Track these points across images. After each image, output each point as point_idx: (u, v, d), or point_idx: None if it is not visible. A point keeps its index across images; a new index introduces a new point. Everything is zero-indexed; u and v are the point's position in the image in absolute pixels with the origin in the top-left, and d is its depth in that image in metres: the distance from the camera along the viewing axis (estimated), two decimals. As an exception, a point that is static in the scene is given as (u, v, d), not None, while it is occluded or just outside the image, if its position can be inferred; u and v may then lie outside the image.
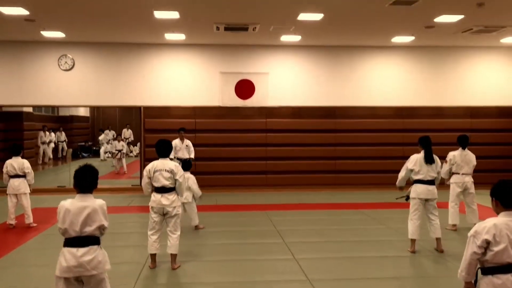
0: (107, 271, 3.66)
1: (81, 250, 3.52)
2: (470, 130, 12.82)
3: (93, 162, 19.67)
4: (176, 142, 10.99)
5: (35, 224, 8.24)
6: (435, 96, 12.98)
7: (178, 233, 5.91)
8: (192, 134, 12.31)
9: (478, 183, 12.42)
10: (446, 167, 7.93)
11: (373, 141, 12.85)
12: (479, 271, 3.19)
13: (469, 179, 7.96)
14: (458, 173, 7.95)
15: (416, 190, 6.59)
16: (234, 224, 8.53)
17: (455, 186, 7.99)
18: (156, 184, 5.79)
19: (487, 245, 3.05)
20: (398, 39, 11.94)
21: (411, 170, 6.62)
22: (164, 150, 5.90)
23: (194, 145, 11.66)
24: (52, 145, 20.14)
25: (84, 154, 22.21)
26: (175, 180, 5.77)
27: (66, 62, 12.16)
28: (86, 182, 3.66)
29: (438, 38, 11.82)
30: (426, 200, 6.59)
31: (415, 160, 6.63)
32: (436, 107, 12.99)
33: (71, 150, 16.41)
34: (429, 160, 6.55)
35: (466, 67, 13.08)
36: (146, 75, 12.42)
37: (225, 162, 12.58)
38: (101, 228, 3.61)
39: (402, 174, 6.76)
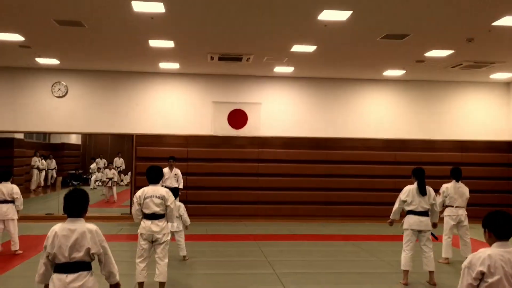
0: None
1: (70, 277, 3.44)
2: (461, 163, 12.86)
3: (86, 190, 19.35)
4: (165, 171, 10.90)
5: (21, 251, 8.07)
6: (426, 129, 13.11)
7: (167, 260, 5.81)
8: (184, 163, 12.27)
9: (469, 217, 12.40)
10: (439, 199, 7.89)
11: (364, 173, 12.87)
12: None
13: (462, 212, 7.96)
14: (452, 206, 7.95)
15: (409, 221, 6.57)
16: (224, 254, 8.40)
17: (448, 219, 7.97)
18: (146, 211, 5.72)
19: (482, 276, 3.01)
20: (389, 73, 12.14)
21: (404, 201, 6.61)
22: (154, 177, 5.86)
23: (185, 174, 11.60)
24: (43, 172, 19.95)
25: (74, 182, 21.96)
26: (166, 206, 5.70)
27: (59, 89, 12.18)
28: (75, 206, 3.59)
29: (428, 73, 12.03)
30: (419, 231, 6.56)
31: (408, 191, 6.63)
32: (427, 140, 13.10)
33: (61, 178, 16.22)
34: (422, 191, 6.55)
35: (456, 101, 13.28)
36: (140, 103, 12.45)
37: (217, 191, 12.50)
38: (91, 254, 3.52)
39: (396, 206, 6.75)
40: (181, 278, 6.66)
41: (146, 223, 5.70)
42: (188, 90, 12.66)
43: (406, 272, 6.55)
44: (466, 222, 7.97)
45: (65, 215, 3.62)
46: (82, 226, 3.55)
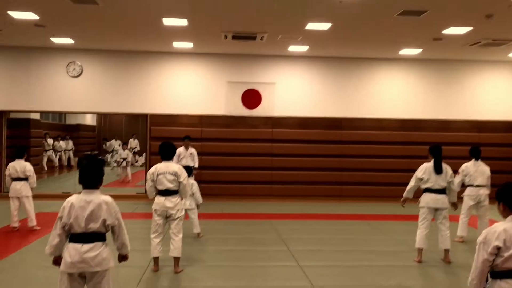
0: (110, 268, 3.62)
1: (86, 246, 3.49)
2: (478, 144, 12.68)
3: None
4: (180, 150, 10.95)
5: (38, 227, 8.22)
6: (442, 109, 12.92)
7: (181, 235, 5.88)
8: (198, 143, 12.29)
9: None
10: (458, 178, 7.74)
11: (378, 153, 12.77)
12: (488, 275, 3.11)
13: (483, 192, 7.75)
14: (472, 185, 7.79)
15: (425, 199, 6.52)
16: (238, 231, 8.46)
17: (468, 199, 7.84)
18: (159, 187, 5.76)
19: (497, 251, 2.98)
20: (405, 51, 11.94)
21: (421, 179, 6.53)
22: (167, 153, 5.89)
23: (199, 154, 11.63)
24: (61, 153, 20.20)
25: (89, 163, 22.23)
26: (179, 182, 5.74)
27: (74, 68, 12.24)
28: (91, 177, 3.62)
29: (445, 51, 11.81)
30: (436, 209, 6.50)
31: (424, 168, 6.56)
32: (443, 120, 12.92)
33: (77, 158, 16.47)
34: (438, 169, 6.47)
35: (473, 81, 13.05)
36: (154, 83, 12.46)
37: (231, 171, 12.54)
38: (106, 225, 3.56)
39: (411, 184, 6.66)
40: (195, 254, 6.73)
41: (160, 199, 5.75)
42: (202, 70, 12.63)
43: (420, 250, 6.53)
44: (486, 202, 7.75)
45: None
46: (98, 197, 3.59)
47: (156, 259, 5.88)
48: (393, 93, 12.92)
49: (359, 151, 12.79)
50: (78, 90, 12.31)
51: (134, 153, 21.33)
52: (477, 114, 12.97)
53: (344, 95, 12.82)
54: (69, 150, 21.09)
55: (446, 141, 12.50)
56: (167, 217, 5.81)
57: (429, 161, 6.62)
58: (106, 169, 19.94)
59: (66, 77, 12.27)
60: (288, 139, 12.67)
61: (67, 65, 12.25)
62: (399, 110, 12.88)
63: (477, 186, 7.76)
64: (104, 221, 3.54)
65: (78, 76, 12.29)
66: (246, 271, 5.98)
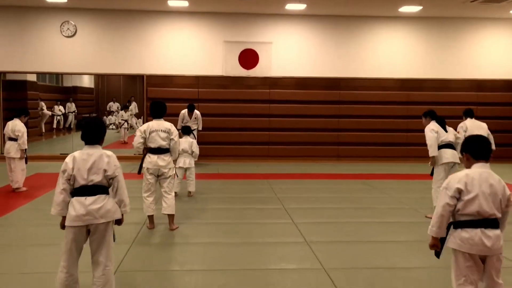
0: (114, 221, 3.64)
1: (90, 199, 3.49)
2: (476, 103, 12.65)
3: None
4: (185, 114, 10.93)
5: (24, 189, 8.08)
6: (441, 69, 12.77)
7: (173, 193, 5.93)
8: (195, 104, 12.21)
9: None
10: (460, 135, 7.78)
11: (377, 113, 12.71)
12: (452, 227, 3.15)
13: None
14: None
15: (444, 156, 6.46)
16: (235, 191, 8.52)
17: None
18: (152, 145, 5.74)
19: (459, 195, 3.03)
20: (405, 9, 11.68)
21: (436, 132, 6.46)
22: (158, 111, 5.86)
23: (196, 115, 11.59)
24: (60, 117, 20.15)
25: (88, 126, 22.22)
26: (171, 139, 5.75)
27: (68, 28, 12.03)
28: (93, 133, 3.62)
29: (446, 9, 11.57)
30: (454, 164, 6.50)
31: (434, 126, 6.55)
32: (442, 79, 12.79)
33: (75, 121, 16.49)
34: (443, 128, 6.55)
35: (474, 39, 12.84)
36: (150, 43, 12.27)
37: (228, 132, 12.52)
38: (106, 176, 3.55)
39: (432, 140, 6.42)
40: (192, 213, 6.79)
41: (152, 158, 5.74)
42: (198, 29, 12.42)
43: None
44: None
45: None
46: (99, 151, 3.60)
47: (151, 217, 5.93)
48: (392, 52, 12.74)
49: (358, 111, 12.73)
50: (72, 50, 12.13)
51: (132, 116, 21.25)
52: (477, 73, 12.83)
53: (343, 55, 12.64)
54: (72, 113, 21.03)
55: (445, 101, 12.49)
56: (159, 176, 5.82)
57: (424, 125, 6.68)
58: (108, 131, 20.15)
59: (60, 37, 12.08)
60: (285, 99, 12.59)
61: (60, 25, 12.03)
62: (398, 70, 12.74)
63: None
64: (105, 171, 3.54)
65: (72, 36, 12.09)
66: (241, 228, 6.04)
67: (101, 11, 12.13)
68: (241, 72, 12.46)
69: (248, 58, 12.48)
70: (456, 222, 3.10)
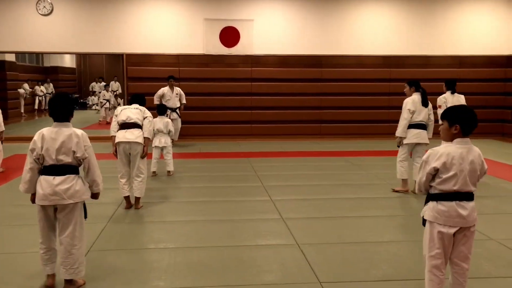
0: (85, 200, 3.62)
1: (58, 179, 3.45)
2: (458, 79, 12.64)
3: (84, 114, 19.19)
4: (164, 90, 10.72)
5: (1, 169, 8.04)
6: (423, 45, 12.77)
7: (143, 175, 5.82)
8: (176, 83, 12.09)
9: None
10: (441, 110, 7.86)
11: (359, 91, 12.72)
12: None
13: None
14: None
15: (408, 135, 6.53)
16: (215, 169, 8.51)
17: None
18: (122, 118, 5.68)
19: (436, 172, 3.03)
20: (386, -15, 11.60)
21: (413, 112, 6.47)
22: (136, 100, 6.01)
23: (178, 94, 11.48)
24: (41, 98, 19.86)
25: (71, 107, 21.96)
26: (144, 118, 5.73)
27: (44, 6, 11.76)
28: (60, 109, 3.52)
29: (427, -16, 11.50)
30: (416, 144, 6.56)
31: (413, 101, 6.52)
32: (424, 56, 12.80)
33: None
34: (425, 102, 6.53)
35: (455, 15, 12.81)
36: (128, 21, 12.06)
37: (209, 112, 12.45)
38: (75, 157, 3.49)
39: (403, 121, 6.50)
40: (169, 192, 6.78)
41: (120, 133, 5.68)
42: (178, 7, 12.22)
43: (405, 180, 6.63)
44: None
45: None
46: (69, 129, 3.51)
47: (126, 198, 5.87)
48: (374, 29, 12.68)
49: (340, 89, 12.71)
50: (49, 29, 11.88)
51: (116, 96, 21.04)
52: (458, 49, 12.85)
53: (324, 32, 12.56)
54: (50, 94, 20.73)
55: (427, 77, 12.46)
56: (130, 154, 5.73)
57: (407, 95, 6.64)
58: (90, 112, 19.93)
59: (36, 16, 11.80)
60: (267, 77, 12.52)
61: (36, 3, 11.75)
62: (380, 47, 12.70)
63: None
64: (74, 152, 3.48)
65: (49, 14, 11.83)
66: (218, 206, 6.05)
67: (78, -11, 11.87)
68: (222, 50, 12.33)
69: (229, 36, 12.35)
70: (433, 195, 3.11)
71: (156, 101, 10.34)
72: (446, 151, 3.04)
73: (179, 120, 10.93)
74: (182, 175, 7.94)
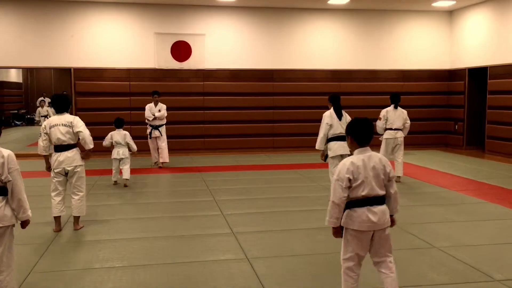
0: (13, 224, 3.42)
1: None
2: (402, 93, 13.15)
3: (31, 130, 18.43)
4: (150, 106, 10.33)
5: None
6: (370, 60, 13.19)
7: (81, 194, 5.58)
8: (126, 98, 11.96)
9: (411, 144, 12.91)
10: (380, 123, 8.27)
11: (310, 104, 12.92)
12: None
13: (400, 135, 8.26)
14: (391, 128, 8.22)
15: (332, 148, 6.64)
16: (165, 184, 8.42)
17: (387, 142, 8.25)
18: (53, 141, 5.40)
19: (349, 183, 3.20)
20: (334, 1, 11.92)
21: (330, 125, 6.61)
22: (60, 105, 5.48)
23: (129, 109, 11.36)
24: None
25: (17, 122, 21.18)
26: (76, 133, 5.39)
27: (-14, 19, 11.35)
28: None
29: (373, 1, 11.93)
30: (342, 156, 6.60)
31: (329, 114, 6.67)
32: (371, 70, 13.21)
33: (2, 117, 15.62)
34: (338, 115, 6.63)
35: (400, 31, 13.33)
36: (76, 34, 11.82)
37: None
38: (1, 181, 3.32)
39: (322, 134, 6.68)
40: (118, 208, 6.63)
41: (54, 156, 5.43)
42: (127, 21, 12.10)
43: None
44: (402, 145, 8.30)
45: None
46: None
47: (57, 218, 5.54)
48: (323, 44, 12.99)
49: (291, 102, 12.90)
50: (-8, 43, 11.46)
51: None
52: (403, 63, 13.35)
53: (275, 47, 12.75)
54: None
55: (373, 91, 12.93)
56: (66, 174, 5.48)
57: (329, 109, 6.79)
58: (37, 128, 19.25)
59: (-23, 29, 11.37)
60: (220, 91, 12.55)
61: (-22, 16, 11.33)
62: (329, 61, 13.02)
63: (395, 129, 8.18)
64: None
65: (-8, 27, 11.42)
66: (167, 222, 5.97)
67: (23, 1, 11.52)
68: (174, 64, 12.28)
69: (181, 50, 12.32)
70: (347, 203, 3.27)
71: (149, 116, 10.06)
72: (349, 162, 3.25)
73: (164, 138, 10.17)
74: (132, 191, 7.79)
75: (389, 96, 8.56)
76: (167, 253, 4.81)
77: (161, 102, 10.30)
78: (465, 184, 8.38)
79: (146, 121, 10.17)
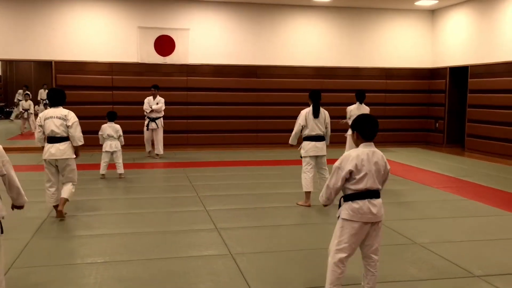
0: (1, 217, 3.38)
1: None
2: (385, 90, 13.33)
3: (9, 124, 18.28)
4: (149, 99, 10.56)
5: None
6: (354, 57, 13.27)
7: (70, 184, 5.71)
8: (109, 92, 11.83)
9: (392, 141, 13.04)
10: (348, 120, 8.44)
11: (293, 101, 12.94)
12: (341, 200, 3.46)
13: None
14: None
15: (306, 148, 6.57)
16: (148, 180, 8.36)
17: (351, 138, 8.30)
18: (46, 133, 5.53)
19: (350, 175, 3.32)
20: (318, -2, 11.96)
21: (305, 126, 6.53)
22: (56, 99, 5.60)
23: (111, 103, 11.25)
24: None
25: (-5, 116, 20.80)
26: (68, 127, 5.51)
27: (-36, 10, 11.10)
28: None
29: (357, -1, 12.01)
30: (316, 157, 6.58)
31: (304, 114, 6.54)
32: (355, 67, 13.30)
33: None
34: (315, 113, 6.50)
35: (383, 29, 13.44)
36: (57, 27, 11.64)
37: (144, 121, 12.17)
38: None
39: (294, 131, 6.67)
40: (101, 204, 6.57)
41: (46, 147, 5.56)
42: (110, 14, 11.95)
43: (308, 193, 6.58)
44: None
45: None
46: None
47: (56, 207, 5.72)
48: (307, 41, 13.02)
49: (275, 98, 12.92)
50: (-30, 34, 11.22)
51: (45, 105, 20.17)
52: (385, 61, 13.47)
53: (259, 43, 12.75)
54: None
55: (357, 88, 12.92)
56: (57, 166, 5.60)
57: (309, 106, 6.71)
58: (16, 122, 18.90)
59: (-45, 20, 11.12)
60: (203, 87, 12.51)
61: (-44, 6, 11.08)
62: (313, 58, 13.06)
63: None
64: None
65: (-30, 18, 11.18)
66: (150, 217, 5.93)
67: (2, -8, 11.31)
68: (157, 59, 12.19)
69: (164, 44, 12.23)
70: (347, 195, 3.39)
71: (147, 109, 10.51)
72: (355, 154, 3.35)
73: (160, 130, 10.62)
74: (113, 186, 7.73)
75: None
76: (150, 248, 4.78)
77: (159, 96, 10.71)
78: (446, 181, 8.50)
79: (144, 113, 10.53)
